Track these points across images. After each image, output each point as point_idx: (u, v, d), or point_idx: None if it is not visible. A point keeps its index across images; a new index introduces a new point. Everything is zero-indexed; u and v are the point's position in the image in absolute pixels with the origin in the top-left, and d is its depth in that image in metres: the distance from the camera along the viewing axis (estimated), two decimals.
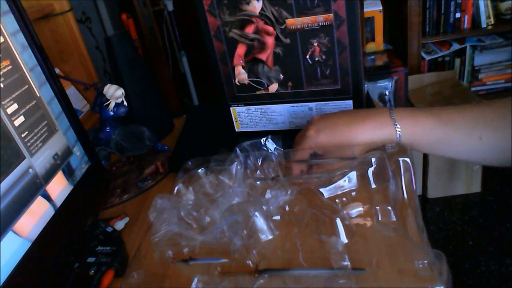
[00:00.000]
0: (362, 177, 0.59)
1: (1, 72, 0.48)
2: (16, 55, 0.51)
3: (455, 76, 1.93)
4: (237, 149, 0.66)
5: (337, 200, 0.57)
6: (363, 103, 0.69)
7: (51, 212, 0.53)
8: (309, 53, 0.66)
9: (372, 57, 1.69)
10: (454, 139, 0.55)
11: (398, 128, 0.54)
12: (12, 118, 0.48)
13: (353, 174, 0.58)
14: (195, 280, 0.50)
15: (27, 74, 0.53)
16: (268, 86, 0.71)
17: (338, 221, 0.52)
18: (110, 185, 0.77)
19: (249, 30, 0.66)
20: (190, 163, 0.68)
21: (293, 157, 0.61)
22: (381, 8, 1.59)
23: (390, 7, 1.90)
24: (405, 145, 0.54)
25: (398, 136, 0.54)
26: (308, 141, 0.59)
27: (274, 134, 0.68)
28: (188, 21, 2.03)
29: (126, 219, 0.67)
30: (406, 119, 0.55)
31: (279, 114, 0.73)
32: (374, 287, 0.45)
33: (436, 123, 0.55)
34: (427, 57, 1.94)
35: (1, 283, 0.42)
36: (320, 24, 0.63)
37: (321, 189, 0.58)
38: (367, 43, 1.70)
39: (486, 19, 1.81)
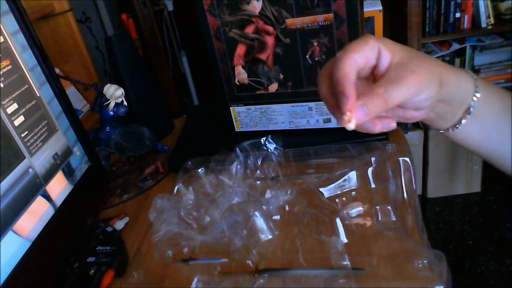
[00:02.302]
0: (362, 177, 0.59)
1: (1, 72, 0.48)
2: (16, 55, 0.51)
3: None
4: (237, 149, 0.66)
5: (337, 200, 0.57)
6: None
7: (51, 212, 0.53)
8: (309, 53, 0.66)
9: None
10: None
11: (475, 78, 0.41)
12: (12, 118, 0.48)
13: (353, 174, 0.58)
14: (195, 280, 0.50)
15: (27, 74, 0.53)
16: (268, 86, 0.71)
17: (338, 221, 0.52)
18: (110, 185, 0.77)
19: (249, 30, 0.66)
20: (190, 163, 0.68)
21: (338, 61, 0.35)
22: (381, 8, 1.59)
23: (390, 7, 1.90)
24: (480, 109, 0.40)
25: (475, 88, 0.40)
26: (372, 39, 0.37)
27: (274, 134, 0.68)
28: (188, 21, 2.03)
29: (126, 219, 0.67)
30: (482, 80, 0.42)
31: (279, 114, 0.73)
32: (374, 287, 0.45)
33: (508, 94, 0.43)
34: None
35: (1, 283, 0.42)
36: (320, 24, 0.63)
37: (321, 189, 0.58)
38: None
39: (486, 19, 1.81)
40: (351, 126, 0.33)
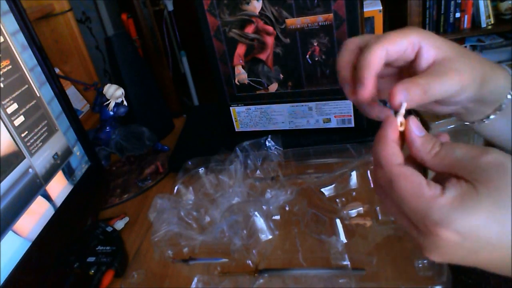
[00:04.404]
0: (362, 177, 0.59)
1: (1, 72, 0.48)
2: (16, 55, 0.51)
3: None
4: (237, 149, 0.66)
5: (337, 200, 0.57)
6: None
7: (51, 212, 0.53)
8: (309, 53, 0.66)
9: None
10: None
11: (508, 69, 0.39)
12: (12, 118, 0.48)
13: (353, 174, 0.58)
14: (195, 280, 0.50)
15: (27, 74, 0.53)
16: (268, 86, 0.71)
17: (338, 221, 0.52)
18: (110, 185, 0.77)
19: (249, 30, 0.66)
20: (190, 163, 0.68)
21: (368, 48, 0.34)
22: (381, 8, 1.59)
23: (390, 7, 1.90)
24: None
25: (511, 86, 0.38)
26: (414, 34, 0.34)
27: (274, 134, 0.68)
28: (188, 21, 2.03)
29: (126, 219, 0.67)
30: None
31: (279, 114, 0.73)
32: (374, 287, 0.45)
33: None
34: None
35: (1, 283, 0.42)
36: (320, 24, 0.63)
37: (321, 189, 0.58)
38: None
39: (486, 19, 1.81)
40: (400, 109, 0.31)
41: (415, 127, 0.31)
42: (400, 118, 0.31)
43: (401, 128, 0.31)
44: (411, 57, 0.35)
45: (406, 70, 0.37)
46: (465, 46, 1.90)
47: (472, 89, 0.35)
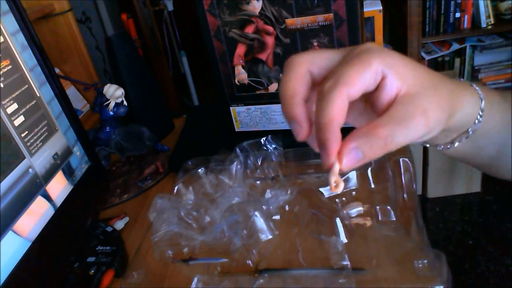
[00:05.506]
0: (362, 177, 0.59)
1: (1, 72, 0.48)
2: (16, 55, 0.51)
3: (455, 76, 1.93)
4: (237, 149, 0.66)
5: (337, 200, 0.57)
6: None
7: (51, 212, 0.53)
8: None
9: None
10: None
11: (482, 97, 0.35)
12: (12, 118, 0.48)
13: (353, 174, 0.59)
14: (195, 280, 0.50)
15: (27, 74, 0.53)
16: (268, 86, 0.71)
17: (338, 221, 0.52)
18: (110, 185, 0.77)
19: (249, 30, 0.66)
20: (190, 163, 0.68)
21: (325, 98, 0.28)
22: (381, 8, 1.59)
23: (390, 7, 1.90)
24: (478, 131, 0.35)
25: (480, 112, 0.34)
26: (377, 60, 0.28)
27: (274, 134, 0.68)
28: (188, 21, 2.03)
29: (126, 219, 0.67)
30: (489, 95, 0.36)
31: (279, 114, 0.73)
32: (374, 287, 0.45)
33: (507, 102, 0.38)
34: (427, 57, 1.94)
35: (1, 283, 0.42)
36: (320, 24, 0.63)
37: (321, 189, 0.58)
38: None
39: (486, 19, 1.81)
40: (333, 179, 0.28)
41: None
42: (335, 177, 0.27)
43: (338, 190, 0.28)
44: (372, 89, 0.29)
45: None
46: (465, 46, 1.90)
47: (438, 128, 0.30)
